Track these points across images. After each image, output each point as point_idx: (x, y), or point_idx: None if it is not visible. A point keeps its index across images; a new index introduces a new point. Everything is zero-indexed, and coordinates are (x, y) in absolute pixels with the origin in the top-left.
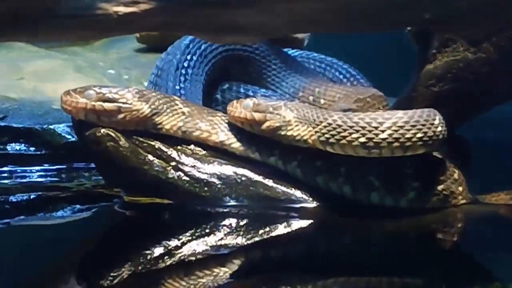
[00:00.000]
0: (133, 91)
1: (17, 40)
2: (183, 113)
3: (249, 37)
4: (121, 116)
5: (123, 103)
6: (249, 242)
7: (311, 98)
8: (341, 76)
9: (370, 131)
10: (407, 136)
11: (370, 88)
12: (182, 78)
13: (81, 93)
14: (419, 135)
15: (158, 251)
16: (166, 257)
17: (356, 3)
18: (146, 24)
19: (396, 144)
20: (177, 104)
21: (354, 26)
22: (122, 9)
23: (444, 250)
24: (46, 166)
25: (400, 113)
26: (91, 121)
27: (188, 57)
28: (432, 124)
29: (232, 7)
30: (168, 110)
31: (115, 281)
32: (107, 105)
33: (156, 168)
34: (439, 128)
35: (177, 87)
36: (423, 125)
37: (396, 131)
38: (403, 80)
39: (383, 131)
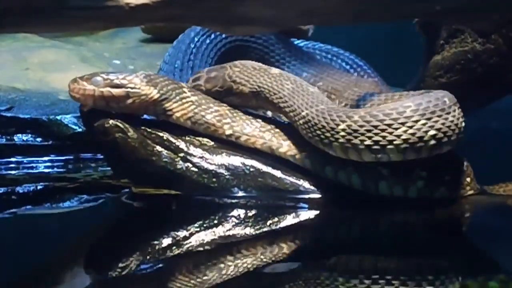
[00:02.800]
0: (141, 75)
1: (30, 32)
2: (192, 102)
3: (260, 28)
4: (129, 101)
5: (131, 88)
6: (257, 232)
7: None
8: (347, 67)
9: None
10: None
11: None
12: (190, 69)
13: (88, 80)
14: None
15: (166, 241)
16: (174, 247)
17: None
18: (158, 15)
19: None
20: (185, 92)
21: (364, 18)
22: (133, 1)
23: (451, 241)
24: (52, 157)
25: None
26: (100, 107)
27: (194, 50)
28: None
29: None
30: (178, 98)
31: (123, 272)
32: (116, 91)
33: (165, 159)
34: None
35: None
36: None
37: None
38: (401, 70)
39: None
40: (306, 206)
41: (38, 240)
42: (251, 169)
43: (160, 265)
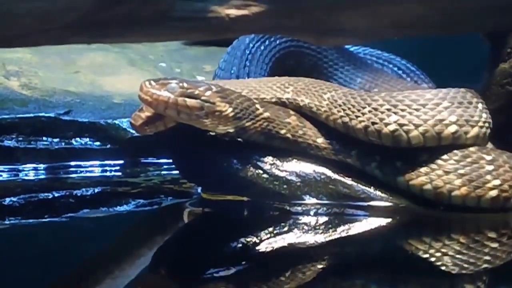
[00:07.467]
0: (214, 88)
1: (133, 42)
2: (265, 119)
3: (352, 40)
4: (202, 114)
5: (206, 101)
6: (328, 240)
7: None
8: (400, 72)
9: None
10: None
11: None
12: (246, 75)
13: (163, 85)
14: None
15: (236, 247)
16: (244, 254)
17: (461, 5)
18: (257, 26)
19: None
20: (258, 109)
21: (457, 28)
22: (234, 12)
23: None
24: (111, 161)
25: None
26: (168, 115)
27: (250, 57)
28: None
29: (341, 10)
30: (252, 116)
31: (194, 276)
32: (190, 101)
33: (235, 166)
34: None
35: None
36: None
37: None
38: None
39: None
40: (378, 214)
41: (102, 243)
42: (322, 176)
43: (230, 271)
